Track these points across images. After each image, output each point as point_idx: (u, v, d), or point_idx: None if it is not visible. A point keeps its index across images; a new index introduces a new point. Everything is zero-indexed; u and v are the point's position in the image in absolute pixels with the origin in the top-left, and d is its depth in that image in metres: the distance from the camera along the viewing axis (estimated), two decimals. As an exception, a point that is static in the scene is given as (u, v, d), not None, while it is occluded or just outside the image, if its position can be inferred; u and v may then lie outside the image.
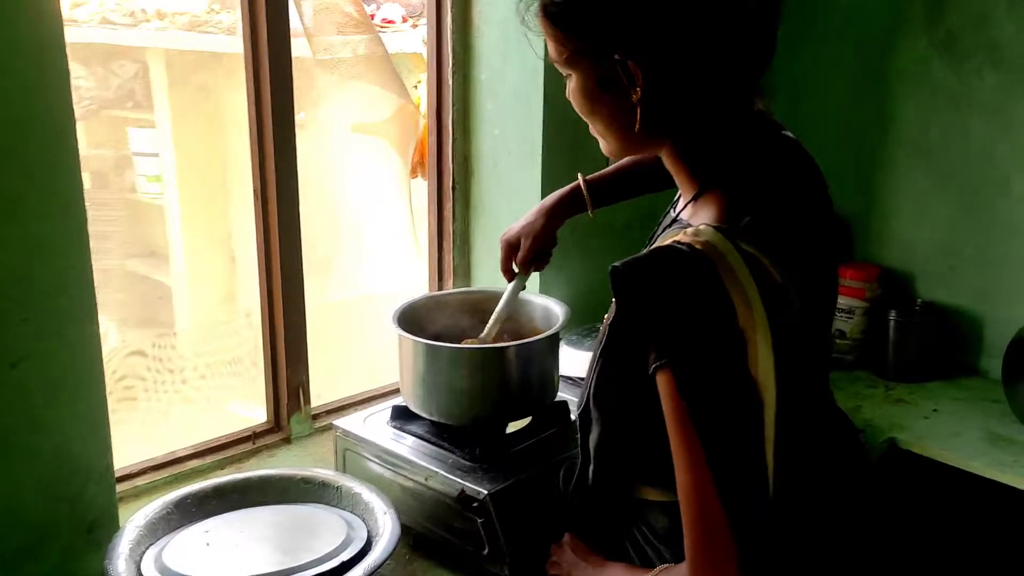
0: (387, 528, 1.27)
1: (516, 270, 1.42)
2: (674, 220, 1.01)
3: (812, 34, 2.12)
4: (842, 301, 2.06)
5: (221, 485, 1.41)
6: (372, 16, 2.45)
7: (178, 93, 2.51)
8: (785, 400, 0.87)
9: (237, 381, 2.47)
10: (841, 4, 2.09)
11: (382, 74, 1.99)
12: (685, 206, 1.00)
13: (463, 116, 1.92)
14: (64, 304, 1.21)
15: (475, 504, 1.27)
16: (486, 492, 1.26)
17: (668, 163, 1.02)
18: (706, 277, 0.86)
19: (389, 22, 2.52)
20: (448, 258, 1.98)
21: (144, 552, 1.25)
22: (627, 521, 1.08)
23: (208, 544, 1.26)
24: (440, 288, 1.99)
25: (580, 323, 1.79)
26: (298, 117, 1.72)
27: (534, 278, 1.85)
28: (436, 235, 1.98)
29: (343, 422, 1.50)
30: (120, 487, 1.43)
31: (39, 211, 1.17)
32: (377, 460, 1.43)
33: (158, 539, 1.29)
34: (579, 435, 1.09)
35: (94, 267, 1.24)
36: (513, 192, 1.89)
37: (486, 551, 1.28)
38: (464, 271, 2.01)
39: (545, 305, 1.51)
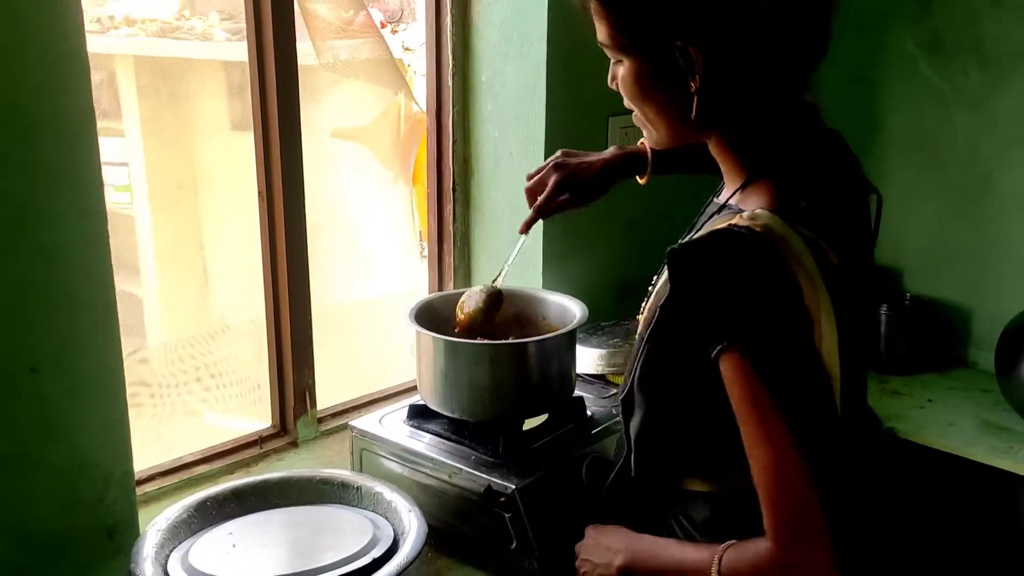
0: (413, 525, 1.27)
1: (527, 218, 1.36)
2: (722, 207, 1.01)
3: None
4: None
5: (239, 488, 1.40)
6: (350, 21, 2.45)
7: (147, 101, 2.47)
8: (847, 377, 0.89)
9: (213, 393, 2.44)
10: (829, 6, 2.13)
11: (386, 76, 1.99)
12: (733, 194, 1.00)
13: (463, 117, 1.92)
14: (83, 309, 1.20)
15: (503, 499, 1.28)
16: (513, 487, 1.27)
17: (715, 151, 1.02)
18: (770, 257, 0.86)
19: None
20: (449, 259, 1.98)
21: (169, 555, 1.24)
22: (666, 512, 1.07)
23: (234, 545, 1.25)
24: (440, 289, 1.99)
25: (625, 316, 1.81)
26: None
27: (538, 277, 1.87)
28: (436, 236, 1.99)
29: (359, 422, 1.50)
30: (130, 494, 1.41)
31: (56, 218, 1.15)
32: (396, 459, 1.43)
33: (180, 542, 1.28)
34: (622, 422, 1.09)
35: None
36: (514, 193, 1.89)
37: (514, 545, 1.28)
38: (465, 272, 2.01)
39: (560, 303, 1.52)
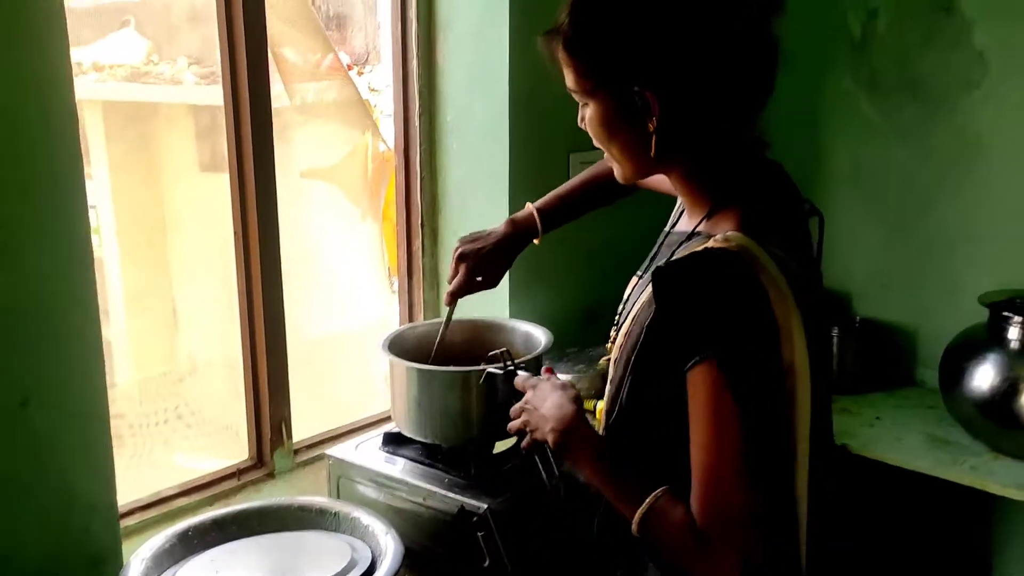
0: (390, 547, 1.33)
1: (444, 299, 1.49)
2: (691, 234, 1.09)
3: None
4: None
5: (220, 517, 1.44)
6: (319, 63, 2.53)
7: (115, 144, 2.51)
8: (817, 383, 0.97)
9: (181, 433, 2.47)
10: (774, 47, 2.26)
11: (354, 117, 2.07)
12: (700, 221, 1.08)
13: (430, 156, 2.01)
14: (71, 344, 1.25)
15: (475, 519, 1.34)
16: (485, 507, 1.34)
17: (677, 184, 1.11)
18: (746, 275, 0.95)
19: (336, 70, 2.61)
20: (418, 292, 2.06)
21: (154, 583, 1.28)
22: None
23: (217, 572, 1.30)
24: (411, 321, 2.06)
25: (591, 343, 1.89)
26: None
27: (504, 307, 1.95)
28: (406, 271, 2.06)
29: (336, 450, 1.55)
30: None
31: (41, 249, 1.20)
32: (372, 484, 1.49)
33: (164, 571, 1.32)
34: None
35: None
36: (481, 227, 1.97)
37: (487, 563, 1.34)
38: (434, 304, 2.08)
39: (526, 330, 1.60)
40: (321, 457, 1.84)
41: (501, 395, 1.38)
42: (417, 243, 2.03)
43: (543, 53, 1.09)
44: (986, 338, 1.89)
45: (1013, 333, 1.85)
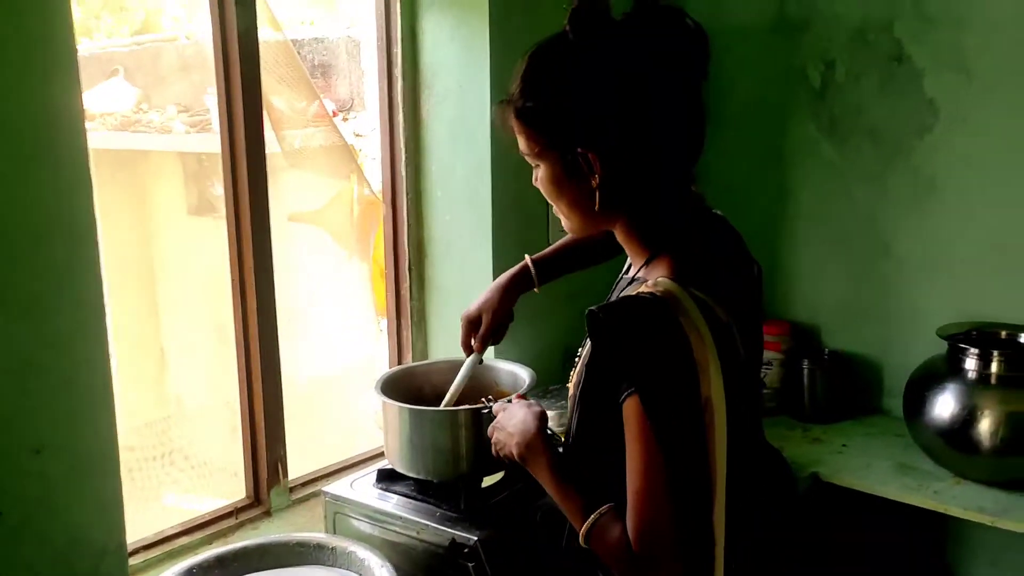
0: (386, 579, 1.40)
1: (474, 346, 1.59)
2: (632, 280, 1.20)
3: (717, 122, 2.39)
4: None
5: (223, 555, 1.51)
6: (305, 111, 2.63)
7: (105, 192, 2.59)
8: (733, 416, 1.07)
9: (170, 476, 2.52)
10: (739, 96, 2.39)
11: (341, 161, 2.16)
12: (640, 268, 1.19)
13: (416, 204, 2.11)
14: (82, 394, 1.33)
15: (466, 550, 1.42)
16: (476, 539, 1.42)
17: (621, 235, 1.21)
18: (668, 318, 1.05)
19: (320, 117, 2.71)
20: (407, 334, 2.15)
21: (162, 619, 1.35)
22: None
23: (222, 607, 1.37)
24: (400, 362, 2.14)
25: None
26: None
27: (490, 348, 2.04)
28: (395, 313, 2.15)
29: (332, 487, 1.63)
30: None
31: (61, 310, 1.29)
32: (367, 520, 1.57)
33: (171, 607, 1.39)
34: None
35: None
36: (466, 272, 2.08)
37: (477, 593, 1.42)
38: (422, 346, 2.17)
39: (512, 370, 1.69)
40: (316, 494, 1.92)
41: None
42: (405, 287, 2.13)
43: (497, 121, 1.21)
44: (945, 369, 2.00)
45: (970, 364, 1.96)
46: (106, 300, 2.59)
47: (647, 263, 1.18)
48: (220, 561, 1.51)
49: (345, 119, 2.69)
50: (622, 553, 1.08)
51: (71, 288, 1.29)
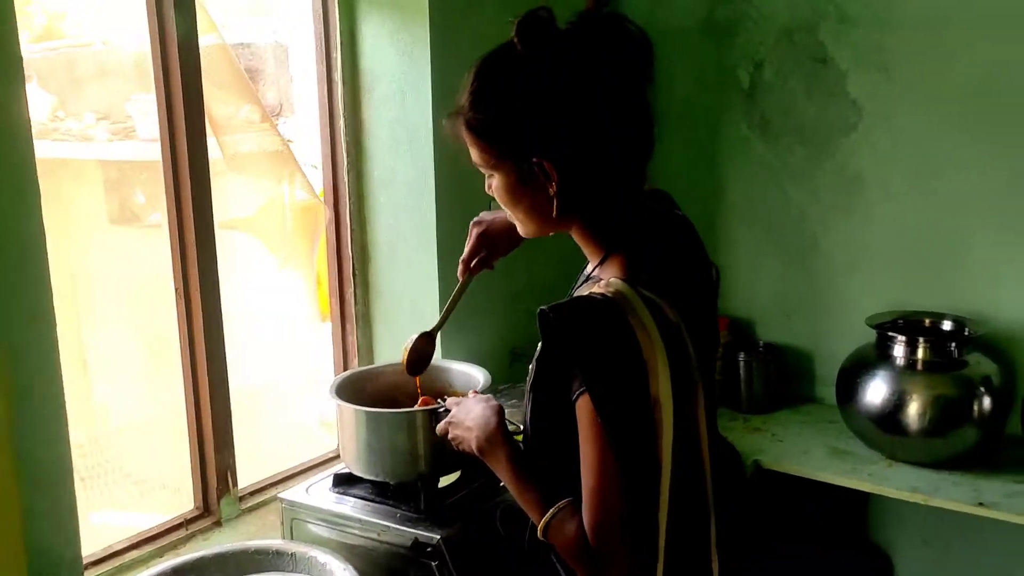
0: (348, 582, 1.41)
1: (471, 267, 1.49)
2: (588, 278, 1.23)
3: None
4: (700, 348, 2.38)
5: (179, 566, 1.50)
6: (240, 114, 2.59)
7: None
8: (681, 414, 1.10)
9: (104, 494, 2.46)
10: (676, 99, 2.45)
11: (281, 166, 2.13)
12: (595, 268, 1.22)
13: (359, 208, 2.11)
14: (37, 404, 1.30)
15: (429, 549, 1.43)
16: (438, 537, 1.43)
17: (576, 237, 1.24)
18: (617, 319, 1.08)
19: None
20: (352, 339, 2.14)
21: (121, 633, 1.32)
22: None
23: (181, 619, 1.35)
24: (346, 367, 2.14)
25: (516, 380, 2.00)
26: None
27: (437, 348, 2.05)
28: (339, 318, 2.14)
29: (288, 494, 1.62)
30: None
31: (9, 319, 1.26)
32: (326, 524, 1.56)
33: (128, 621, 1.37)
34: None
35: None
36: (411, 275, 2.08)
37: (441, 591, 1.43)
38: (367, 350, 2.17)
39: (465, 371, 1.70)
40: (266, 503, 1.91)
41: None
42: (349, 291, 2.12)
43: (448, 132, 1.21)
44: (875, 357, 2.10)
45: (898, 351, 2.06)
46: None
47: (601, 263, 1.21)
48: (176, 572, 1.49)
49: (274, 125, 2.67)
50: (579, 547, 1.11)
51: (23, 298, 1.26)
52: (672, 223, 1.29)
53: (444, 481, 1.62)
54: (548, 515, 1.15)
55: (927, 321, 2.17)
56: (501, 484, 1.61)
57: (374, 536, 1.50)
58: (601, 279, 1.16)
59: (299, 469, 1.99)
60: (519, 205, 1.21)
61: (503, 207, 1.24)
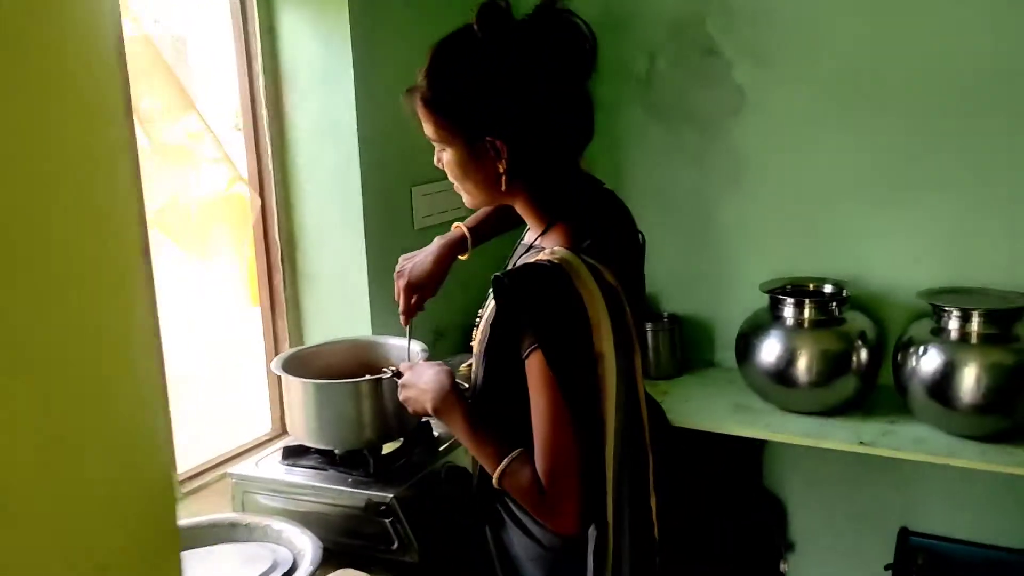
0: (307, 545, 1.49)
1: (406, 311, 1.60)
2: (529, 247, 1.36)
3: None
4: (609, 320, 2.55)
5: (136, 542, 1.54)
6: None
7: None
8: (621, 367, 1.24)
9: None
10: (576, 86, 2.61)
11: (213, 154, 2.17)
12: (537, 237, 1.35)
13: (285, 196, 2.17)
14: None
15: (383, 507, 1.53)
16: (391, 496, 1.53)
17: (520, 207, 1.36)
18: (564, 282, 1.21)
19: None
20: (282, 323, 2.20)
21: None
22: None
23: (150, 587, 1.40)
24: (276, 352, 2.20)
25: (439, 357, 2.11)
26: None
27: (367, 327, 2.14)
28: (268, 304, 2.20)
29: (238, 468, 1.69)
30: None
31: None
32: (278, 495, 1.64)
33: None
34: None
35: None
36: (338, 259, 2.16)
37: (395, 545, 1.54)
38: (297, 335, 2.23)
39: (402, 345, 1.80)
40: (205, 486, 1.95)
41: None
42: (278, 278, 2.18)
43: (405, 107, 1.32)
44: (768, 319, 2.31)
45: (788, 312, 2.28)
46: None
47: (544, 232, 1.34)
48: (134, 550, 1.53)
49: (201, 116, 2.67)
50: (533, 492, 1.22)
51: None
52: (602, 196, 1.43)
53: (387, 448, 1.73)
54: (503, 464, 1.25)
55: (811, 285, 2.40)
56: (441, 448, 1.75)
57: (328, 501, 1.59)
58: (544, 247, 1.28)
59: (233, 453, 2.04)
60: (468, 178, 1.32)
61: (452, 179, 1.35)
